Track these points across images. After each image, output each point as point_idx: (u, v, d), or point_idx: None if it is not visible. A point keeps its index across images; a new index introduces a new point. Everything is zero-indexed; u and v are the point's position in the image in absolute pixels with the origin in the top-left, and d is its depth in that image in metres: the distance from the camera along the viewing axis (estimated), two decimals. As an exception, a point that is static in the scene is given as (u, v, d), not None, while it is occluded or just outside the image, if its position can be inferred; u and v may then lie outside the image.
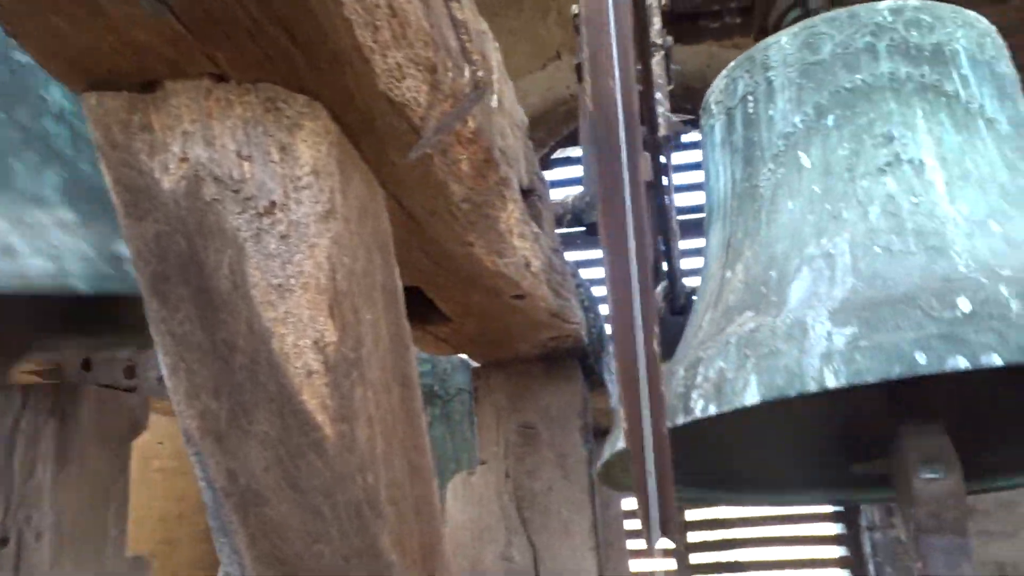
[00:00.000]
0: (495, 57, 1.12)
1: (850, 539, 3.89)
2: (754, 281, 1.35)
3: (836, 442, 1.76)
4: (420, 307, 1.42)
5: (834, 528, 4.01)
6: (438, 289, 1.27)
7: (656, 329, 0.96)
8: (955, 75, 1.42)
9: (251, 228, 0.72)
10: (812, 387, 1.00)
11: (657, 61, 1.58)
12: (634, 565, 3.69)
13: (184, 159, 0.70)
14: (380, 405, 0.82)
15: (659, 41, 1.57)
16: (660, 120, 1.52)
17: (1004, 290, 1.00)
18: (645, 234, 0.92)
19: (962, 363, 0.94)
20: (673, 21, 1.83)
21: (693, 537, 4.14)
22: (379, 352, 0.83)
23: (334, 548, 0.81)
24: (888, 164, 1.32)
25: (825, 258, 1.25)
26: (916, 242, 1.19)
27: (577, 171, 3.28)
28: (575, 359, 1.75)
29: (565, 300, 1.51)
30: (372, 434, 0.80)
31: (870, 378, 0.97)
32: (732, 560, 4.12)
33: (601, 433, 1.73)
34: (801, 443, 1.84)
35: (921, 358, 0.95)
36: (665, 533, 1.24)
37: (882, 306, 1.04)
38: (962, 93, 1.40)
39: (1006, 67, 1.51)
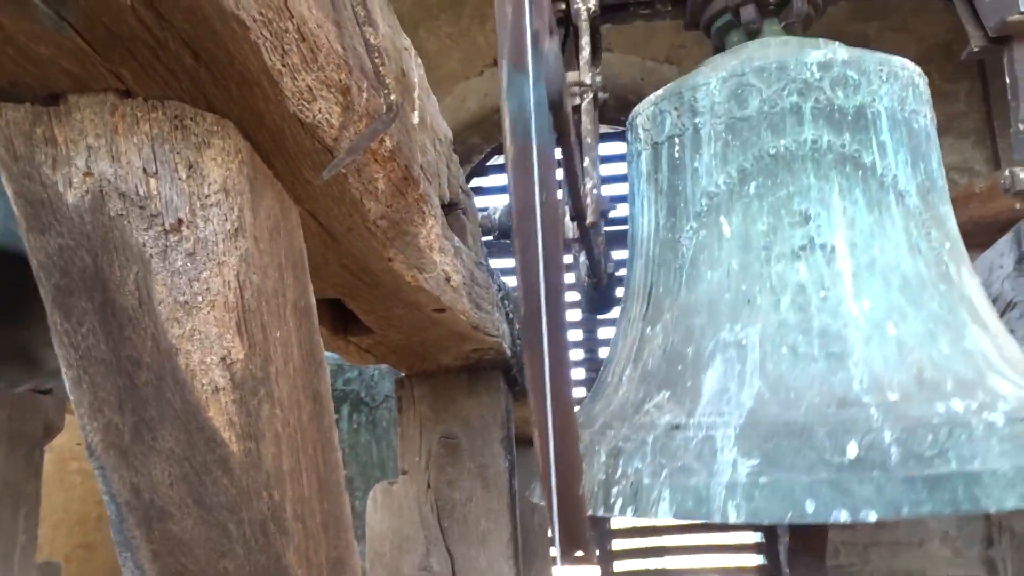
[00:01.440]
0: (417, 74, 1.13)
1: (768, 548, 3.99)
2: (672, 352, 1.41)
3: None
4: (342, 318, 1.42)
5: (753, 536, 4.11)
6: (359, 302, 1.27)
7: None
8: (874, 143, 1.45)
9: (157, 245, 0.71)
10: (717, 518, 1.12)
11: (586, 107, 1.59)
12: (558, 573, 3.72)
13: (88, 174, 0.70)
14: (288, 422, 0.82)
15: (588, 80, 1.57)
16: (588, 202, 1.51)
17: (887, 434, 1.12)
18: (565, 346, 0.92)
19: (843, 517, 1.07)
20: (603, 10, 1.80)
21: (618, 544, 4.19)
22: (289, 369, 0.83)
23: (239, 564, 0.81)
24: (803, 248, 1.38)
25: (737, 348, 1.32)
26: (819, 345, 1.27)
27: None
28: (498, 370, 1.76)
29: (487, 313, 1.52)
30: (279, 451, 0.80)
31: (766, 520, 1.09)
32: (656, 568, 4.18)
33: (525, 443, 1.75)
34: None
35: (810, 507, 1.07)
36: (577, 543, 1.27)
37: (783, 439, 1.15)
38: (879, 164, 1.45)
39: (924, 120, 1.56)
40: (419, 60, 1.14)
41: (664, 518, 1.15)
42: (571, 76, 1.60)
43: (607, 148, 4.28)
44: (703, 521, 1.13)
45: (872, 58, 1.51)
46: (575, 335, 4.50)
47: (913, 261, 1.37)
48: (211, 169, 0.70)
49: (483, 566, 1.66)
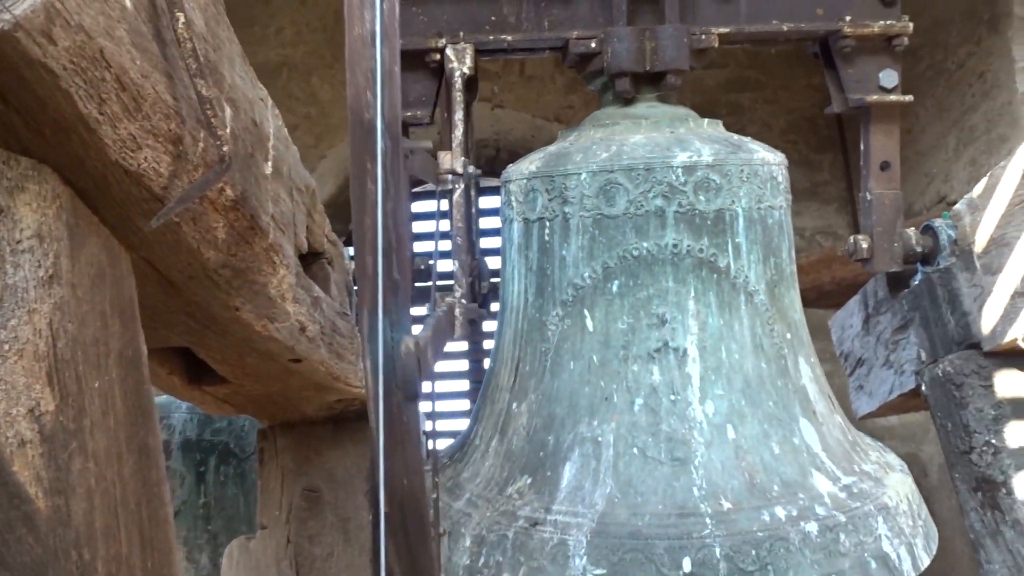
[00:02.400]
0: (273, 124, 1.13)
1: None
2: (535, 437, 1.49)
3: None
4: (196, 368, 1.39)
5: None
6: (209, 351, 1.25)
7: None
8: (730, 245, 1.53)
9: (-37, 290, 0.69)
10: None
11: (457, 199, 1.60)
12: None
13: None
14: (105, 476, 0.80)
15: (460, 171, 1.59)
16: (458, 315, 1.54)
17: (718, 551, 1.26)
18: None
19: None
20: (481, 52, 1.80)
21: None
22: (108, 421, 0.81)
23: (46, 627, 0.77)
24: (657, 351, 1.47)
25: (593, 444, 1.43)
26: (666, 450, 1.39)
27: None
28: (364, 421, 1.74)
29: (349, 363, 1.51)
30: (91, 507, 0.77)
31: None
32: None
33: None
34: None
35: None
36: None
37: (627, 552, 1.29)
38: (732, 266, 1.53)
39: (779, 212, 1.62)
40: (276, 111, 1.15)
41: None
42: (443, 162, 1.61)
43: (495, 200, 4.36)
44: None
45: (735, 160, 1.56)
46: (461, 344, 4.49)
47: (755, 360, 1.49)
48: (24, 214, 0.68)
49: (341, 623, 1.62)
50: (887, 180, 1.79)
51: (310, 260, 1.44)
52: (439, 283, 1.59)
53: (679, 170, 1.55)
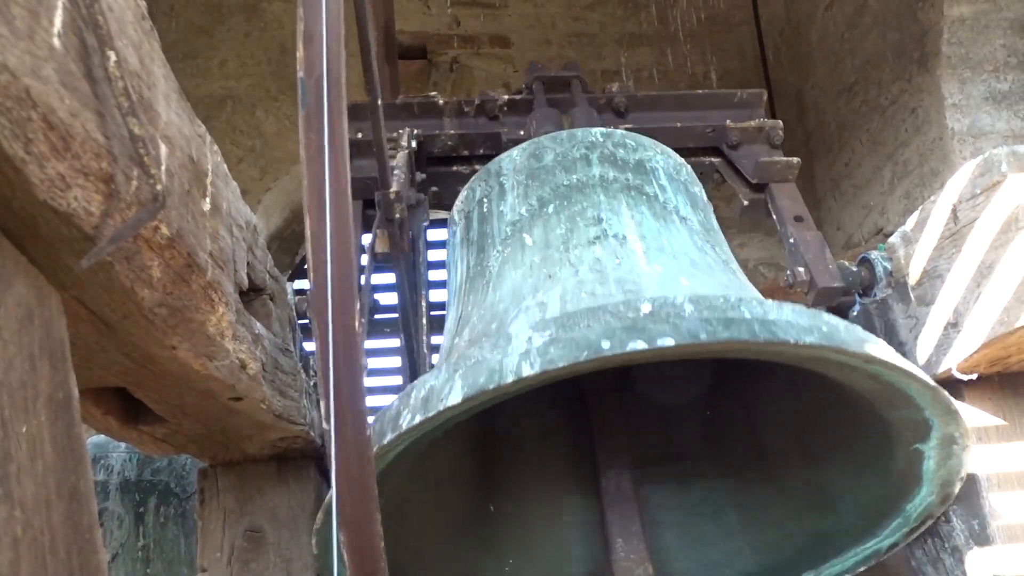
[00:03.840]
0: (212, 160, 1.12)
1: None
2: (477, 336, 1.43)
3: (574, 570, 1.86)
4: (132, 408, 1.35)
5: None
6: (146, 390, 1.22)
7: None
8: (655, 183, 1.62)
9: None
10: (509, 379, 1.03)
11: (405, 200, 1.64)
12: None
13: None
14: (32, 524, 0.77)
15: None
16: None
17: (680, 298, 1.10)
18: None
19: (640, 345, 1.01)
20: (429, 163, 1.97)
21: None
22: (37, 467, 0.78)
23: None
24: (597, 238, 1.48)
25: (539, 306, 1.35)
26: (617, 288, 1.31)
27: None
28: (309, 459, 1.72)
29: (292, 401, 1.49)
30: (17, 557, 0.74)
31: (561, 363, 1.02)
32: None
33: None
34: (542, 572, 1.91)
35: (606, 344, 1.02)
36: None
37: (577, 314, 1.12)
38: (660, 195, 1.60)
39: (698, 191, 1.73)
40: (215, 147, 1.14)
41: (453, 403, 1.06)
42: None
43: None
44: (494, 387, 1.04)
45: (648, 139, 1.71)
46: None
47: (701, 254, 1.49)
48: (-53, 255, 0.67)
49: (285, 668, 1.58)
50: (805, 227, 1.91)
51: (251, 296, 1.42)
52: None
53: (598, 134, 1.71)
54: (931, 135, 3.19)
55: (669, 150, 1.75)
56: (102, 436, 2.44)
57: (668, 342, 1.01)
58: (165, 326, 1.00)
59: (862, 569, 1.66)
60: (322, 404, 0.91)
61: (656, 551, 1.66)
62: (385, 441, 1.14)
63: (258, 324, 1.34)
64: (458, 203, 1.85)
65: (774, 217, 1.95)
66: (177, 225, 0.93)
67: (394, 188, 1.91)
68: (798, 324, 1.08)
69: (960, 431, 1.31)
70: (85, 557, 0.87)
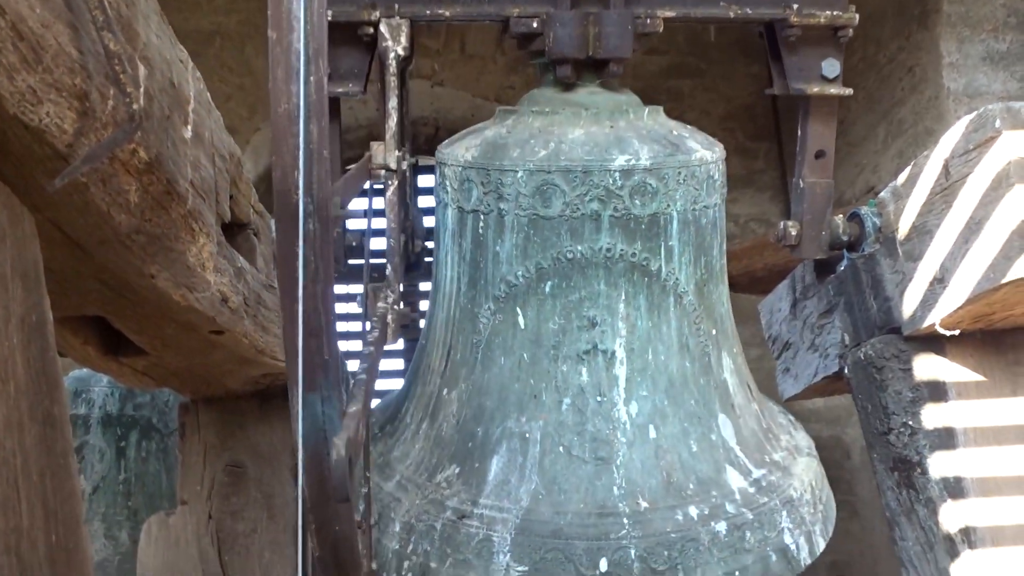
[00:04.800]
0: (194, 87, 1.09)
1: None
2: (464, 428, 1.52)
3: None
4: (113, 339, 1.34)
5: None
6: (125, 320, 1.21)
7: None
8: (662, 249, 1.54)
9: None
10: None
11: (390, 195, 1.55)
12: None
13: None
14: (4, 446, 0.76)
15: (393, 166, 1.54)
16: (390, 323, 1.51)
17: (632, 552, 1.35)
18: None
19: None
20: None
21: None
22: (8, 389, 0.77)
23: (-62, 603, 0.74)
24: (587, 352, 1.51)
25: (521, 440, 1.47)
26: (590, 449, 1.45)
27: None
28: (292, 397, 1.72)
29: (276, 337, 1.48)
30: (-13, 478, 0.74)
31: None
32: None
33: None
34: None
35: None
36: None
37: (548, 552, 1.36)
38: (663, 269, 1.55)
39: (713, 210, 1.63)
40: (198, 74, 1.11)
41: None
42: (376, 156, 1.55)
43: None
44: None
45: (672, 163, 1.55)
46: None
47: (680, 360, 1.55)
48: (-87, 168, 0.65)
49: (264, 601, 1.60)
50: (821, 169, 1.80)
51: (235, 231, 1.40)
52: (374, 260, 1.57)
53: (616, 174, 1.54)
54: (927, 94, 3.16)
55: (694, 162, 1.59)
56: (84, 370, 2.44)
57: None
58: (143, 254, 0.98)
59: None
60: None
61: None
62: None
63: (241, 258, 1.33)
64: (450, 177, 1.68)
65: (798, 137, 1.83)
66: (156, 150, 0.90)
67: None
68: None
69: None
70: (59, 481, 0.87)
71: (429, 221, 2.01)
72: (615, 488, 1.42)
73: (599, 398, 1.49)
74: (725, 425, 1.54)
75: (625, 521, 1.39)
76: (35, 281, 0.82)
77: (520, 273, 1.55)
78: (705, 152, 1.64)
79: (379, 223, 1.86)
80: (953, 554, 1.59)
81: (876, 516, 3.91)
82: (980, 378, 1.63)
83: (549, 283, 1.53)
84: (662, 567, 1.36)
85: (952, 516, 1.58)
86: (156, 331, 1.25)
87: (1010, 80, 3.03)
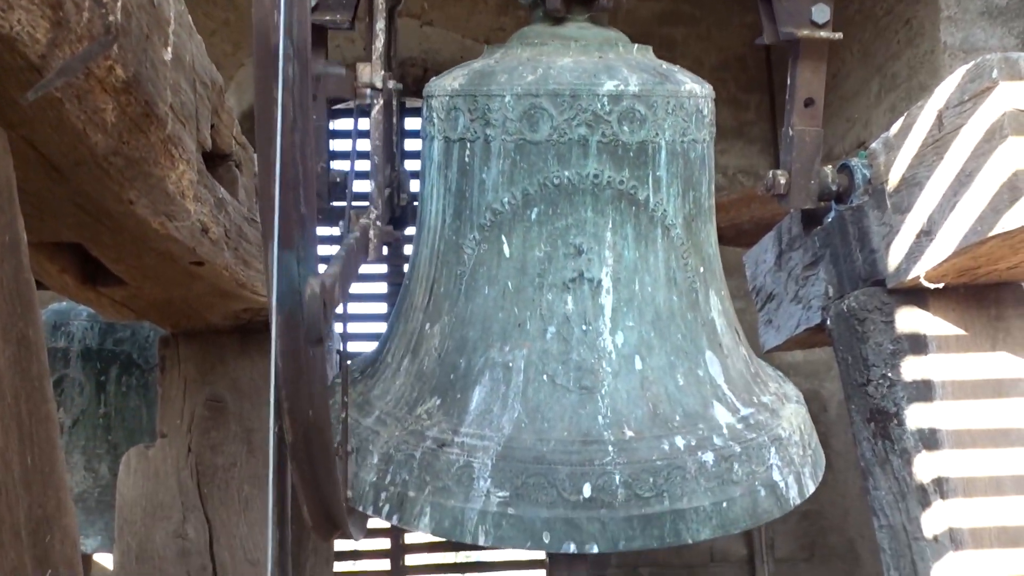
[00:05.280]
0: (175, 9, 1.05)
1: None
2: (447, 360, 1.49)
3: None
4: (91, 268, 1.32)
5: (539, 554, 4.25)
6: (103, 248, 1.18)
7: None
8: (650, 178, 1.53)
9: None
10: (468, 540, 1.28)
11: (375, 114, 1.53)
12: (339, 544, 3.67)
13: None
14: (-24, 366, 0.75)
15: (379, 85, 1.51)
16: (372, 238, 1.49)
17: (617, 477, 1.31)
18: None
19: (572, 548, 1.28)
20: None
21: (411, 560, 4.20)
22: (-20, 308, 0.76)
23: (-90, 521, 0.73)
24: (572, 280, 1.48)
25: (504, 369, 1.45)
26: (575, 378, 1.43)
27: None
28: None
29: (257, 271, 1.46)
30: (-41, 397, 0.72)
31: (509, 546, 1.29)
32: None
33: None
34: None
35: (546, 538, 1.28)
36: (334, 523, 1.28)
37: (531, 476, 1.32)
38: (652, 199, 1.53)
39: (702, 145, 1.62)
40: (178, -6, 1.07)
41: (424, 531, 1.30)
42: (362, 75, 1.53)
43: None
44: (456, 540, 1.30)
45: (661, 91, 1.54)
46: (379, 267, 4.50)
47: (667, 293, 1.52)
48: None
49: (243, 533, 1.61)
50: (810, 117, 1.81)
51: (216, 161, 1.37)
52: (356, 204, 1.55)
53: (605, 99, 1.53)
54: (923, 48, 3.13)
55: (683, 94, 1.59)
56: (64, 304, 2.41)
57: (593, 549, 1.28)
58: (121, 177, 0.96)
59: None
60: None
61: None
62: (368, 512, 1.40)
63: (222, 189, 1.30)
64: (437, 109, 1.68)
65: (788, 81, 1.83)
66: (134, 69, 0.88)
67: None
68: (703, 511, 1.33)
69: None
70: (34, 404, 0.86)
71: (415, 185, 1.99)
72: (600, 417, 1.39)
73: (584, 327, 1.46)
74: (712, 362, 1.52)
75: (610, 448, 1.36)
76: (8, 199, 0.80)
77: (506, 200, 1.53)
78: (695, 86, 1.62)
79: (363, 165, 1.84)
80: (924, 503, 1.62)
81: (849, 468, 3.98)
82: (961, 332, 1.64)
83: (535, 209, 1.51)
84: (647, 494, 1.32)
85: (926, 467, 1.60)
86: (135, 260, 1.23)
87: (1007, 36, 3.00)
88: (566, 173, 1.52)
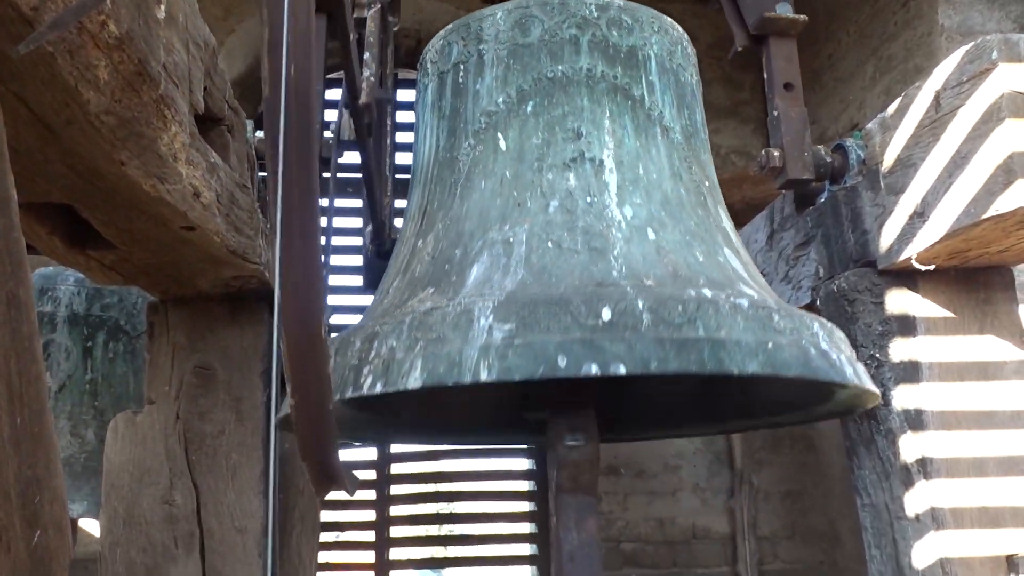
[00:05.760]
0: (170, -34, 1.04)
1: (539, 475, 4.17)
2: (440, 256, 1.39)
3: (513, 393, 1.87)
4: (81, 231, 1.31)
5: (525, 463, 4.28)
6: (94, 210, 1.17)
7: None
8: (643, 80, 1.54)
9: None
10: (468, 379, 1.04)
11: (371, 15, 1.54)
12: (327, 515, 3.69)
13: None
14: (-35, 323, 0.74)
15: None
16: (363, 86, 1.48)
17: (640, 303, 1.09)
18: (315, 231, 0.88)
19: (594, 369, 1.02)
20: None
21: (396, 490, 4.23)
22: (-31, 265, 0.74)
23: None
24: (573, 160, 1.42)
25: (504, 244, 1.31)
26: (583, 241, 1.28)
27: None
28: (264, 301, 1.70)
29: (248, 238, 1.45)
30: (-52, 354, 0.71)
31: (517, 376, 1.03)
32: (435, 512, 4.27)
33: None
34: (482, 396, 1.92)
35: (562, 361, 1.03)
36: (331, 476, 1.25)
37: (539, 306, 1.10)
38: (647, 99, 1.53)
39: (690, 76, 1.66)
40: (174, -48, 1.05)
41: (414, 386, 1.07)
42: None
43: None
44: (454, 383, 1.06)
45: (646, 12, 1.59)
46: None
47: (674, 185, 1.44)
48: None
49: (231, 500, 1.61)
50: (792, 99, 1.85)
51: (209, 125, 1.36)
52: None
53: (592, 6, 1.56)
54: (920, 30, 3.13)
55: (667, 22, 1.64)
56: (50, 268, 2.39)
57: (620, 370, 1.03)
58: (113, 137, 0.95)
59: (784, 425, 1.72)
60: (275, 263, 0.87)
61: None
62: (347, 396, 1.14)
63: (214, 153, 1.28)
64: (431, 53, 1.74)
65: (764, 76, 1.88)
66: (127, 26, 0.86)
67: (363, 98, 1.77)
68: (745, 344, 1.09)
69: (878, 399, 1.37)
70: (24, 364, 0.85)
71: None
72: (614, 272, 1.22)
73: (589, 199, 1.34)
74: (732, 258, 1.38)
75: (629, 289, 1.16)
76: (-2, 155, 0.78)
77: (501, 100, 1.51)
78: (674, 22, 1.66)
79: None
80: (908, 483, 1.63)
81: (833, 449, 4.02)
82: (949, 314, 1.65)
83: (531, 103, 1.48)
84: (679, 320, 1.08)
85: (910, 447, 1.61)
86: (125, 223, 1.21)
87: (1005, 20, 3.00)
88: (559, 67, 1.51)
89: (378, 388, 1.11)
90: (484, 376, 1.03)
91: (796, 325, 1.17)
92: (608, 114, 1.50)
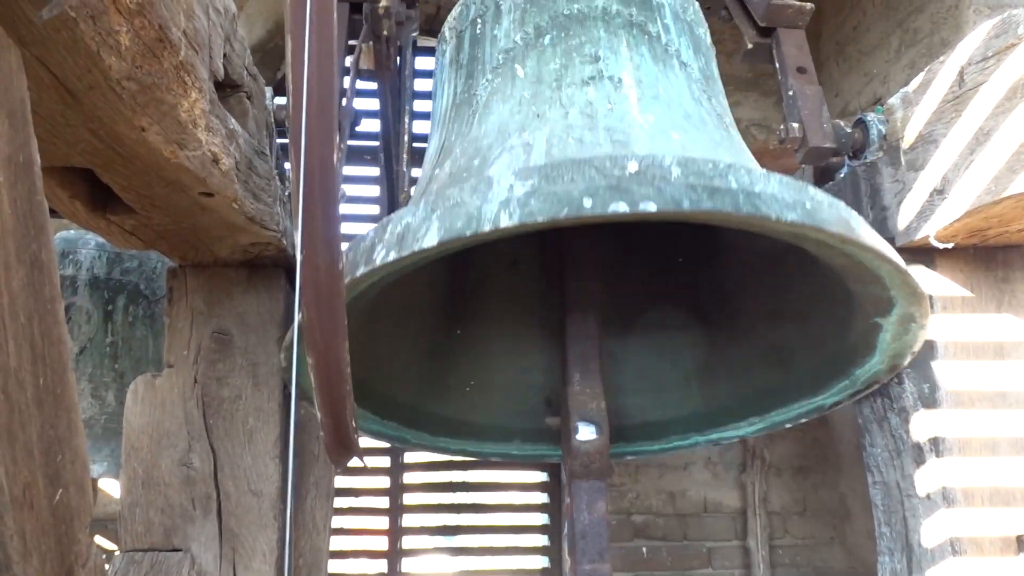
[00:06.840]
0: (190, -69, 1.04)
1: (551, 485, 4.19)
2: (458, 171, 1.37)
3: (532, 397, 1.88)
4: (102, 195, 1.32)
5: (540, 476, 4.27)
6: (114, 175, 1.18)
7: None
8: (659, 21, 1.54)
9: None
10: (487, 227, 0.99)
11: None
12: (341, 481, 3.72)
13: None
14: (-10, 285, 0.75)
15: None
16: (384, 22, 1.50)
17: (668, 160, 1.04)
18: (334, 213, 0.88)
19: (622, 207, 0.97)
20: None
21: (409, 478, 4.25)
22: (-6, 227, 0.76)
23: (-75, 435, 0.74)
24: (592, 78, 1.41)
25: (524, 147, 1.29)
26: (605, 137, 1.25)
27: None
28: (281, 268, 1.71)
29: (266, 205, 1.46)
30: (-27, 314, 0.73)
31: (540, 218, 0.98)
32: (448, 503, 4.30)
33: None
34: (503, 398, 1.92)
35: (588, 202, 0.98)
36: (347, 447, 1.27)
37: (562, 165, 1.05)
38: (663, 36, 1.53)
39: (703, 33, 1.66)
40: (194, -84, 1.05)
41: (429, 245, 1.01)
42: None
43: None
44: (471, 234, 0.99)
45: None
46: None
47: (696, 106, 1.43)
48: None
49: (247, 464, 1.63)
50: (806, 80, 1.84)
51: (227, 91, 1.36)
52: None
53: None
54: (947, 2, 3.07)
55: None
56: (71, 231, 2.42)
57: (650, 207, 0.97)
58: (134, 103, 0.95)
59: (803, 420, 1.72)
60: (296, 234, 0.88)
61: (612, 387, 1.69)
62: (358, 274, 1.09)
63: (233, 120, 1.29)
64: (450, 20, 1.75)
65: (776, 65, 1.88)
66: (149, -9, 0.86)
67: (383, 2, 1.82)
68: (782, 199, 1.02)
69: (921, 312, 1.30)
70: (47, 326, 0.87)
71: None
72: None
73: (610, 106, 1.31)
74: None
75: (657, 154, 1.09)
76: (22, 120, 0.79)
77: (518, 37, 1.49)
78: None
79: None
80: (920, 461, 1.63)
81: (844, 425, 4.02)
82: (967, 293, 1.64)
83: (548, 36, 1.47)
84: (711, 173, 1.01)
85: (923, 426, 1.62)
86: (145, 188, 1.22)
87: (1034, -6, 2.94)
88: (576, 6, 1.50)
89: (391, 256, 1.05)
90: (504, 222, 0.98)
91: (835, 201, 1.11)
92: (625, 43, 1.49)
